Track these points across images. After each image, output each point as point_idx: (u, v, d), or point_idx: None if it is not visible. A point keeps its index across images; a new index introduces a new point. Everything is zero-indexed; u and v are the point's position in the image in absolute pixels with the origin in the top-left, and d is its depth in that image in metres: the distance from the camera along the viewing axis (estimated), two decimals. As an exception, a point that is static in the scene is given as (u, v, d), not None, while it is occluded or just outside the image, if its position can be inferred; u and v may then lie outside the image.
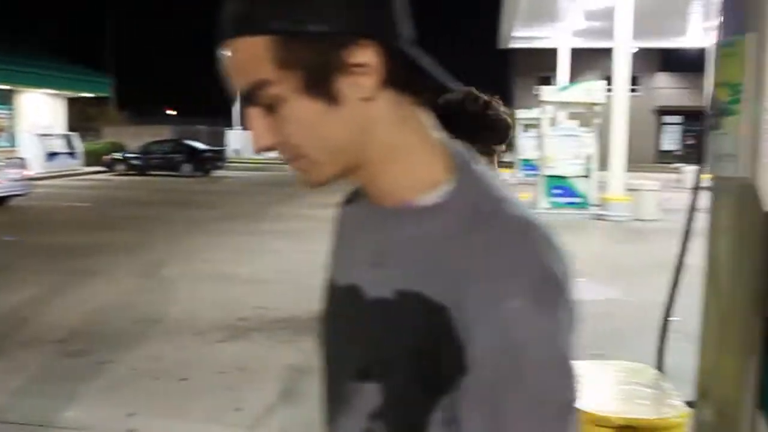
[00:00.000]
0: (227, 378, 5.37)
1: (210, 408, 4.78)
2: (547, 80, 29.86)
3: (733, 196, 2.76)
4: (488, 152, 2.27)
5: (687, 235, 3.22)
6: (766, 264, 2.55)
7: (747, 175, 2.56)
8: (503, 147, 2.34)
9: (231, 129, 49.51)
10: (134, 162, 30.93)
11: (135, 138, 34.51)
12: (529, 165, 23.98)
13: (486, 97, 2.31)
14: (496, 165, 2.34)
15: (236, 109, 50.74)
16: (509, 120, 2.35)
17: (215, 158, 32.31)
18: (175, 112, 66.50)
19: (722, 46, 2.69)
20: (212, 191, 23.39)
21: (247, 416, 4.64)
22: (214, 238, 12.34)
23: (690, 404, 3.03)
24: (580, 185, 16.12)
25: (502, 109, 2.32)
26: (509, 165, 25.56)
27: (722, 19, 2.75)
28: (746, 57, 2.51)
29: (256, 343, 6.31)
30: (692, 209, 3.19)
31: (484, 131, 2.24)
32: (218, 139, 42.02)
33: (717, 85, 2.70)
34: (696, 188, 3.14)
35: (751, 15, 2.54)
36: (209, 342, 6.30)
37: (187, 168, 30.45)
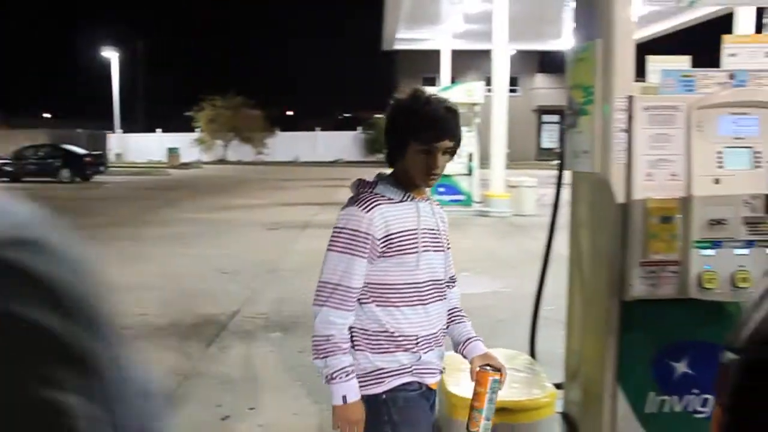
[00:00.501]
0: (111, 387, 5.23)
1: (92, 419, 4.65)
2: (432, 81, 30.52)
3: (589, 191, 2.98)
4: (429, 151, 2.17)
5: (552, 228, 3.44)
6: (620, 252, 2.76)
7: (600, 171, 2.77)
8: (448, 144, 2.19)
9: (112, 133, 47.83)
10: (6, 168, 29.34)
11: (6, 142, 32.76)
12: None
13: (427, 94, 2.24)
14: (438, 164, 2.19)
15: (117, 112, 48.99)
16: (449, 117, 2.20)
17: (95, 163, 31.04)
18: (51, 116, 63.61)
19: (575, 51, 2.90)
20: (93, 197, 22.49)
21: (132, 424, 4.55)
22: (94, 246, 11.88)
23: (558, 386, 3.25)
24: (463, 183, 16.61)
25: (446, 105, 2.21)
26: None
27: (575, 26, 2.97)
28: (596, 61, 2.73)
29: (139, 350, 6.14)
30: (556, 204, 3.41)
31: (425, 128, 2.17)
32: (99, 143, 40.45)
33: (572, 86, 2.91)
34: (559, 184, 3.36)
35: (599, 23, 2.75)
36: (91, 352, 6.11)
37: (65, 173, 29.25)
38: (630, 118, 2.68)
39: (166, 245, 11.89)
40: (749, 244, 2.70)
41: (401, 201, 2.23)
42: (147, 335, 6.58)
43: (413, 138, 2.17)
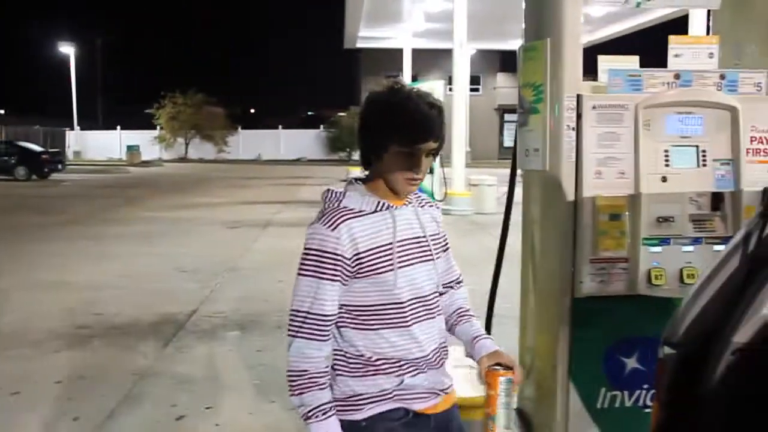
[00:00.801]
0: (65, 388, 5.14)
1: (44, 420, 4.56)
2: (394, 79, 30.52)
3: (540, 189, 3.01)
4: (411, 153, 1.88)
5: (505, 226, 3.46)
6: (570, 249, 2.79)
7: (550, 169, 2.80)
8: (432, 145, 1.89)
9: (71, 130, 46.99)
10: (-41, 166, 28.82)
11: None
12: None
13: (407, 88, 1.94)
14: (420, 168, 1.90)
15: (75, 109, 48.12)
16: (433, 114, 1.89)
17: (53, 161, 30.55)
18: (7, 112, 62.22)
19: (525, 50, 2.92)
20: (51, 195, 22.09)
21: (85, 424, 4.47)
22: (53, 245, 11.69)
23: (512, 382, 3.26)
24: (425, 182, 16.65)
25: (429, 101, 1.90)
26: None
27: (525, 25, 2.99)
28: (545, 60, 2.75)
29: (96, 350, 6.06)
30: (509, 202, 3.43)
31: (406, 128, 1.87)
32: (57, 141, 39.76)
33: (523, 85, 2.93)
34: (512, 182, 3.38)
35: (548, 22, 2.78)
36: (46, 352, 5.99)
37: (21, 171, 28.80)
38: (579, 116, 2.70)
39: (125, 244, 11.74)
40: (696, 241, 2.74)
41: (374, 211, 1.96)
42: (103, 335, 6.49)
43: (392, 139, 1.88)
